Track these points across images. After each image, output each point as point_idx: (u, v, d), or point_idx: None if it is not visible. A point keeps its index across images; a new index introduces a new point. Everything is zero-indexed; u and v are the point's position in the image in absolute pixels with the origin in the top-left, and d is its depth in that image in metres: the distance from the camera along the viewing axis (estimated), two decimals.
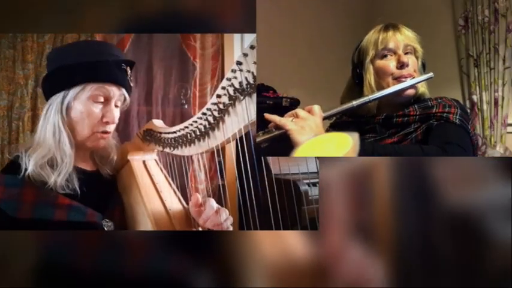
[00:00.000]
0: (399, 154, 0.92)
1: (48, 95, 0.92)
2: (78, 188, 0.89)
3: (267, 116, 0.90)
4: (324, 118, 0.94)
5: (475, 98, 2.39)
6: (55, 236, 0.81)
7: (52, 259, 0.79)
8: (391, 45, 1.04)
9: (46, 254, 0.79)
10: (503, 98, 2.30)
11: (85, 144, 0.94)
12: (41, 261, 0.79)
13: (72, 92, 0.89)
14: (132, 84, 0.96)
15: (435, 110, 1.01)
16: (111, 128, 0.95)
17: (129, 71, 0.95)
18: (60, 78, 0.90)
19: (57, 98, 0.90)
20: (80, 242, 0.80)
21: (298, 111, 0.90)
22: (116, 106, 0.95)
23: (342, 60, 1.15)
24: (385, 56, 1.05)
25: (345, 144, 0.71)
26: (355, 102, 1.00)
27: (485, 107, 2.35)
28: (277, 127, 0.89)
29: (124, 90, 0.94)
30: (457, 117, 0.98)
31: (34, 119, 1.84)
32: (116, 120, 0.95)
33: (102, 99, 0.91)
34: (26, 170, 0.86)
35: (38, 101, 1.82)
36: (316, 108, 0.91)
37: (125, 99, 0.96)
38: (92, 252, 0.79)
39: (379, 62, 1.06)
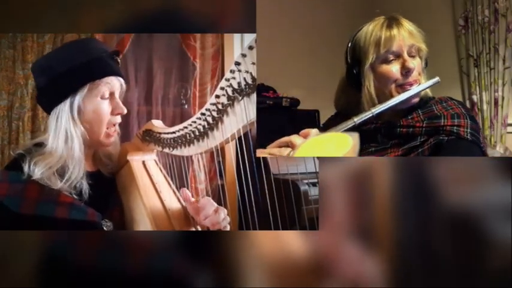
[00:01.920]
0: None
1: (48, 108, 0.92)
2: (84, 192, 0.90)
3: (259, 154, 0.79)
4: None
5: (475, 98, 2.39)
6: (56, 235, 0.82)
7: (52, 258, 0.79)
8: (395, 47, 0.93)
9: (47, 253, 0.79)
10: (503, 98, 2.30)
11: (100, 142, 0.95)
12: (41, 260, 0.79)
13: (79, 96, 0.89)
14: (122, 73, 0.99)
15: (443, 123, 0.92)
16: (119, 119, 0.97)
17: (119, 60, 0.97)
18: (58, 87, 0.90)
19: (64, 106, 0.89)
20: (80, 241, 0.80)
21: (293, 139, 0.76)
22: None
23: (342, 60, 1.13)
24: (388, 60, 0.94)
25: (344, 144, 0.71)
26: (356, 119, 0.90)
27: (485, 107, 2.35)
28: None
29: (122, 80, 0.96)
30: (468, 130, 0.91)
31: (34, 119, 1.85)
32: (125, 110, 0.96)
33: (108, 94, 0.93)
34: (30, 176, 0.86)
35: None
36: (314, 132, 0.77)
37: (122, 87, 0.97)
38: (91, 251, 0.79)
39: (382, 68, 0.95)
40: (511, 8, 2.24)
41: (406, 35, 0.94)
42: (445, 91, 1.10)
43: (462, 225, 0.76)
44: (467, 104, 2.42)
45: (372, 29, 0.96)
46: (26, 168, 0.86)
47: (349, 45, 1.01)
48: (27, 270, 0.78)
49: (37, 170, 0.86)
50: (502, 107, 2.31)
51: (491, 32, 2.29)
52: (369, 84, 0.96)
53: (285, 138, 0.77)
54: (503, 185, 0.75)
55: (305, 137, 0.77)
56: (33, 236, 0.81)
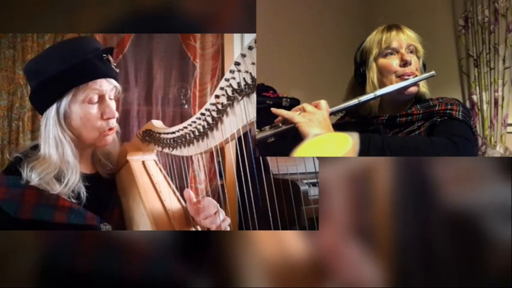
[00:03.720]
0: (408, 144, 0.95)
1: (41, 110, 0.91)
2: (82, 195, 0.89)
3: (274, 110, 0.93)
4: (330, 113, 0.96)
5: (475, 98, 2.39)
6: (54, 236, 0.81)
7: (51, 259, 0.79)
8: (394, 44, 1.07)
9: (45, 254, 0.79)
10: (503, 98, 2.30)
11: (95, 144, 0.94)
12: (40, 261, 0.79)
13: (64, 101, 0.87)
14: (117, 70, 0.94)
15: (438, 108, 1.03)
16: (114, 122, 0.95)
17: (111, 58, 0.93)
18: (47, 91, 0.88)
19: (51, 112, 0.88)
20: (79, 242, 0.80)
21: (306, 105, 0.93)
22: (110, 99, 0.93)
23: (341, 60, 1.15)
24: (388, 54, 1.07)
25: (344, 144, 0.71)
26: (361, 98, 1.02)
27: (485, 107, 2.35)
28: (285, 122, 0.92)
29: (113, 81, 0.92)
30: (460, 113, 1.01)
31: (34, 119, 1.84)
32: (116, 114, 0.94)
33: (96, 99, 0.90)
34: (28, 181, 0.85)
35: None
36: (323, 103, 0.94)
37: (116, 88, 0.94)
38: (91, 252, 0.79)
39: (382, 61, 1.08)
40: (511, 8, 2.24)
41: (404, 36, 1.08)
42: (445, 91, 1.13)
43: (462, 225, 0.76)
44: (467, 104, 2.42)
45: (375, 33, 1.11)
46: (24, 173, 0.86)
47: (358, 50, 1.15)
48: (25, 271, 0.78)
49: (34, 176, 0.85)
50: (502, 107, 2.31)
51: (491, 32, 2.29)
52: (373, 76, 1.09)
53: (298, 106, 0.93)
54: (503, 185, 0.75)
55: (316, 106, 0.93)
56: (32, 237, 0.81)
